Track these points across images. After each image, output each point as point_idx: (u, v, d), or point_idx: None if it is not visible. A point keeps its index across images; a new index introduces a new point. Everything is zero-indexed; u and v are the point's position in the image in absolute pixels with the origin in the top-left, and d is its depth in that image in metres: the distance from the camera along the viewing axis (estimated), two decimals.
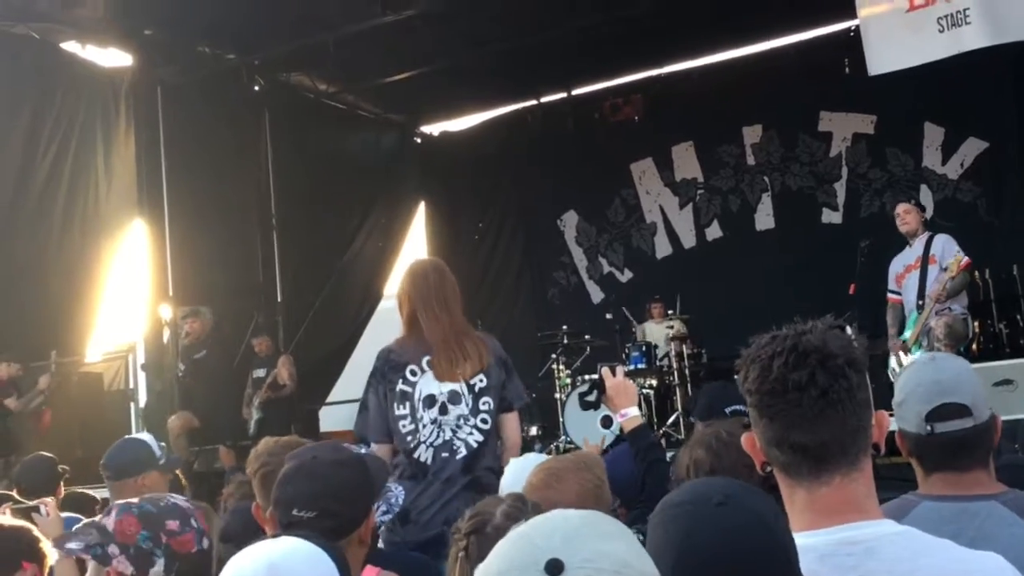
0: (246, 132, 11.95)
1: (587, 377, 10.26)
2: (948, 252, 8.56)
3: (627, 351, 10.84)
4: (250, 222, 12.01)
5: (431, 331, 4.38)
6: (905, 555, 1.74)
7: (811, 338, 1.79)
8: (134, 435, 4.95)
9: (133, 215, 10.78)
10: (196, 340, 10.54)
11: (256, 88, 12.09)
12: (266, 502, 3.01)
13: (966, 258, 8.43)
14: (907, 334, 8.70)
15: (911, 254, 8.84)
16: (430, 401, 4.36)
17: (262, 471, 3.28)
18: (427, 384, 4.37)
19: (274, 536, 2.02)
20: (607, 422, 9.87)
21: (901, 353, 8.44)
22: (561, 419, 10.50)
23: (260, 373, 10.72)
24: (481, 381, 4.39)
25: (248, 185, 11.96)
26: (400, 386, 4.39)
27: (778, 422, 1.78)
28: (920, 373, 2.51)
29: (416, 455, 4.33)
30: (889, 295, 9.08)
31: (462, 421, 4.35)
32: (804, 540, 1.74)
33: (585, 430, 9.92)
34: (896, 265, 8.99)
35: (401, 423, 4.38)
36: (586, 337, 11.31)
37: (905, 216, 8.85)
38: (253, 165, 12.04)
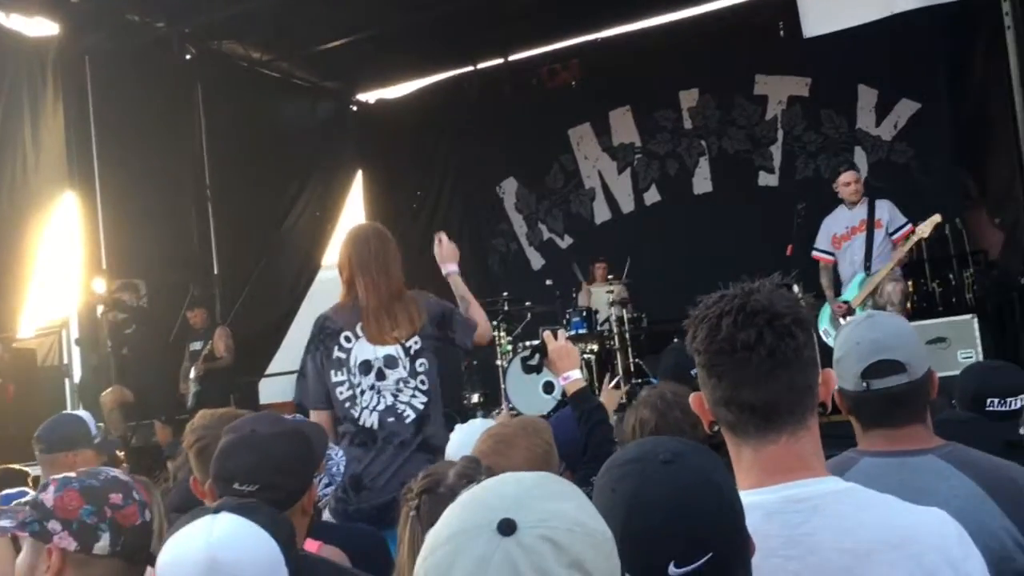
0: (178, 101, 11.75)
1: (528, 344, 10.27)
2: (896, 218, 8.77)
3: (568, 316, 10.86)
4: (184, 193, 11.83)
5: (367, 296, 4.37)
6: (849, 511, 1.76)
7: (759, 297, 1.81)
8: (72, 411, 4.88)
9: (64, 187, 10.55)
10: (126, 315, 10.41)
11: (187, 57, 11.89)
12: (203, 475, 2.97)
13: (909, 226, 8.74)
14: (849, 295, 8.83)
15: (853, 216, 8.94)
16: (366, 367, 4.35)
17: (198, 445, 3.24)
18: (362, 349, 4.36)
19: (214, 511, 1.97)
20: (549, 388, 9.93)
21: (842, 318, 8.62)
22: (503, 386, 10.52)
23: (196, 346, 10.61)
24: (416, 343, 4.38)
25: (182, 155, 11.76)
26: (336, 352, 4.39)
27: (726, 381, 1.79)
28: (858, 331, 2.53)
29: (361, 421, 4.32)
30: (820, 255, 9.17)
31: (402, 384, 4.35)
32: (751, 498, 1.74)
33: (527, 397, 9.98)
34: (835, 226, 9.08)
35: (338, 389, 4.37)
36: (527, 304, 11.31)
37: (856, 186, 8.94)
38: (186, 135, 11.85)
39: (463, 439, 3.74)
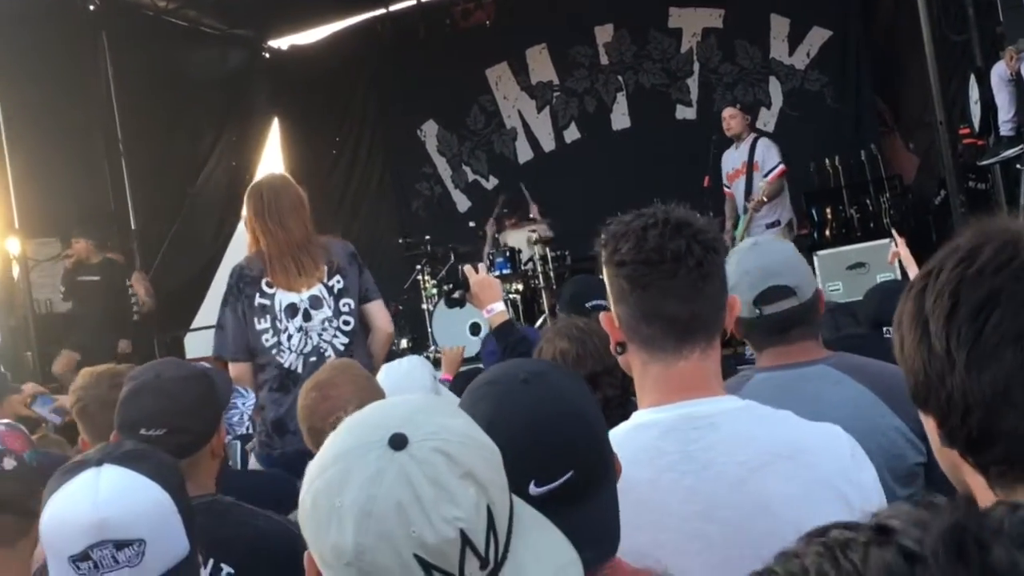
0: (84, 54, 11.40)
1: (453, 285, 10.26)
2: (769, 159, 9.14)
3: (491, 257, 10.86)
4: (96, 148, 11.53)
5: (268, 247, 4.35)
6: (745, 427, 1.79)
7: (680, 213, 1.83)
8: None
9: None
10: (83, 262, 10.18)
11: (91, 7, 11.56)
12: (90, 435, 2.93)
13: (781, 167, 9.20)
14: (737, 232, 9.16)
15: (738, 157, 9.40)
16: (292, 310, 4.33)
17: (78, 406, 3.18)
18: (286, 293, 4.32)
19: (97, 463, 1.91)
20: (475, 330, 9.94)
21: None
22: (430, 329, 10.52)
23: None
24: (339, 282, 4.39)
25: (91, 109, 11.44)
26: (258, 300, 4.36)
27: (652, 291, 1.79)
28: (746, 260, 2.59)
29: (286, 364, 4.31)
30: (724, 188, 9.65)
31: (327, 324, 4.35)
32: (649, 416, 1.77)
33: (454, 338, 9.96)
34: (726, 165, 9.54)
35: (264, 337, 4.35)
36: (449, 245, 11.28)
37: (729, 121, 9.36)
38: (94, 89, 11.51)
39: (397, 380, 3.66)
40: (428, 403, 1.29)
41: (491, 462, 1.23)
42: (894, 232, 4.97)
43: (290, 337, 4.32)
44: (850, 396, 2.37)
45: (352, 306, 4.40)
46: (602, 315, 1.91)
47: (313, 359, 4.30)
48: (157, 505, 1.88)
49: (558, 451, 1.47)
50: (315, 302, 4.34)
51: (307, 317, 4.33)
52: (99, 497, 1.84)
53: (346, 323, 4.38)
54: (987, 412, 1.08)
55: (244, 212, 4.52)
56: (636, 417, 1.82)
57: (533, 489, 1.44)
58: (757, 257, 2.57)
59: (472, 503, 1.17)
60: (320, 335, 4.33)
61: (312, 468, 1.22)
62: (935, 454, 1.21)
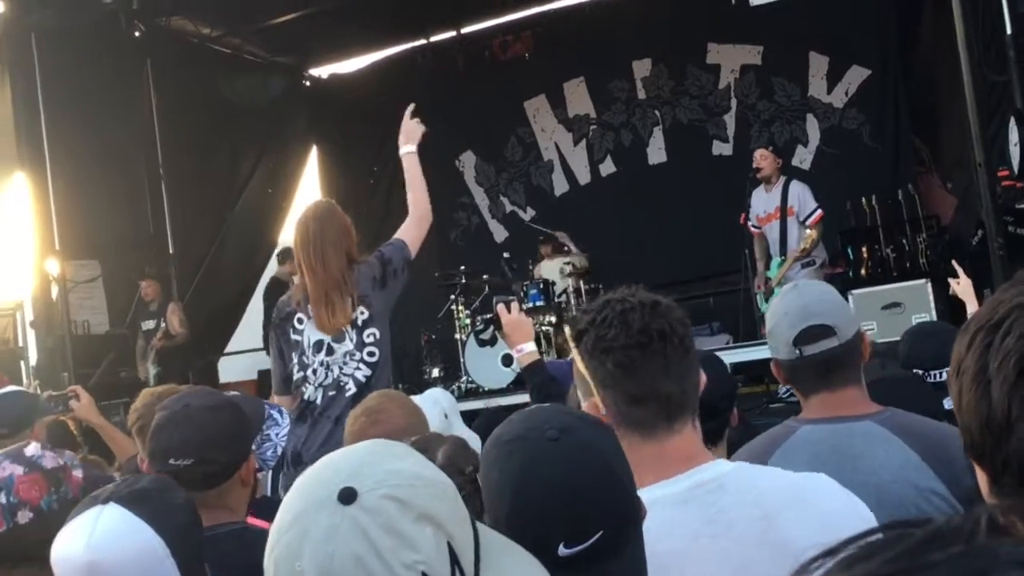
0: (129, 79, 11.60)
1: (485, 317, 10.28)
2: (805, 205, 8.96)
3: (525, 289, 10.86)
4: (137, 172, 11.71)
5: (309, 284, 4.35)
6: (747, 485, 1.85)
7: (646, 294, 1.88)
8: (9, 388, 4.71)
9: (13, 168, 10.43)
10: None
11: (136, 34, 11.75)
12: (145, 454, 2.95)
13: (819, 212, 8.97)
14: (771, 273, 9.04)
15: (770, 201, 9.17)
16: (319, 346, 4.34)
17: (139, 424, 3.23)
18: (314, 330, 4.34)
19: (103, 501, 1.95)
20: (508, 360, 9.92)
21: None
22: (462, 360, 10.52)
23: (149, 325, 10.58)
24: (362, 313, 4.32)
25: (133, 133, 11.63)
26: (292, 335, 4.41)
27: (644, 373, 1.82)
28: (785, 301, 2.60)
29: (306, 396, 4.31)
30: (752, 228, 9.36)
31: (347, 357, 4.31)
32: (658, 491, 1.80)
33: (486, 369, 9.98)
34: (757, 207, 9.30)
35: (296, 371, 4.38)
36: (484, 276, 11.30)
37: (761, 162, 9.18)
38: (137, 113, 11.71)
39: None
40: (375, 450, 1.29)
41: (445, 498, 1.25)
42: (955, 264, 4.92)
43: (315, 372, 4.32)
44: (894, 457, 2.37)
45: (378, 336, 4.34)
46: (586, 405, 1.90)
47: (332, 392, 4.30)
48: (148, 550, 1.90)
49: (588, 513, 1.46)
50: (338, 336, 4.32)
51: (329, 351, 4.32)
52: (92, 539, 1.87)
53: (371, 354, 4.32)
54: None
55: (293, 240, 4.49)
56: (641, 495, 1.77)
57: (562, 550, 1.43)
58: (796, 297, 2.57)
59: (431, 544, 1.18)
60: (341, 368, 4.30)
61: (272, 533, 1.24)
62: (985, 499, 1.23)
